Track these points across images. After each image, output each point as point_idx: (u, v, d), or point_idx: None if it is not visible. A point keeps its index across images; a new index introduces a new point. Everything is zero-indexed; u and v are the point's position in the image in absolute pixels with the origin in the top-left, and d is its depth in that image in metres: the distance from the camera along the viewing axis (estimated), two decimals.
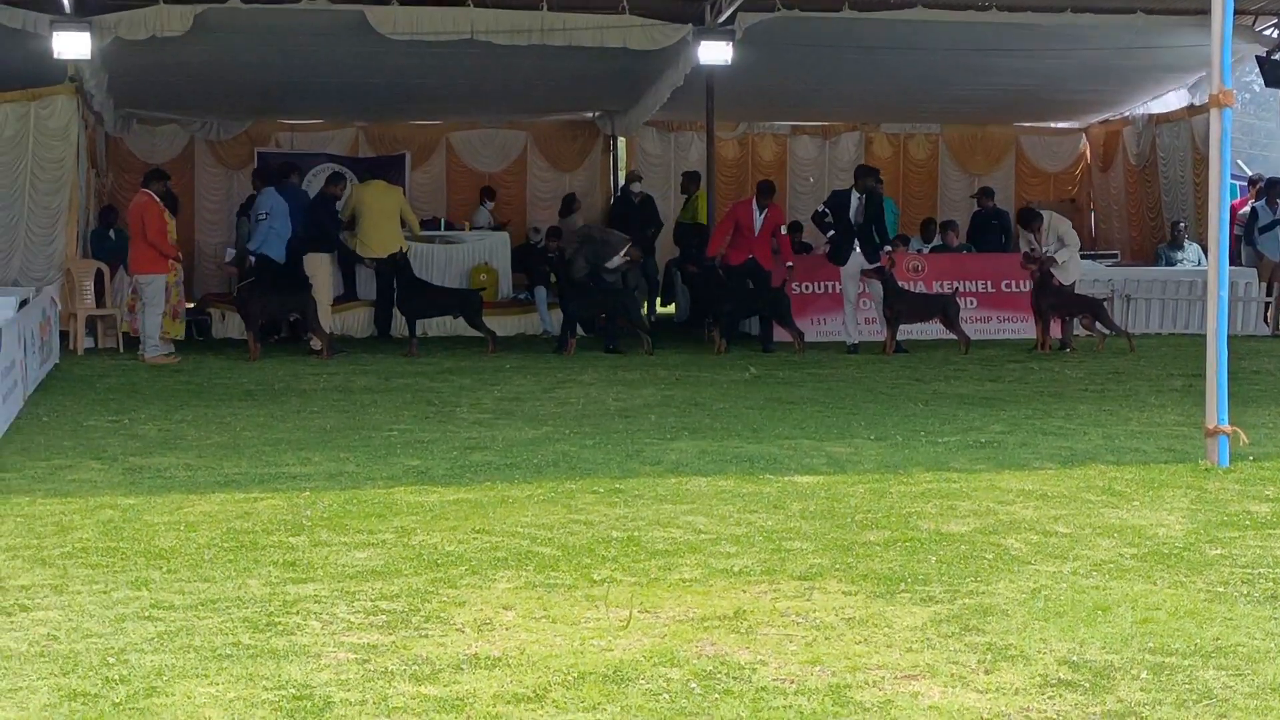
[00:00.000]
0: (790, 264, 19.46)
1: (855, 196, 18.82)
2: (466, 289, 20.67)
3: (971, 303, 20.60)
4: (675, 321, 23.56)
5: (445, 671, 5.55)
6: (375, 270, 20.17)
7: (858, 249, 18.72)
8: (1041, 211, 19.62)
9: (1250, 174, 25.29)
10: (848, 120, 27.17)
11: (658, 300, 23.93)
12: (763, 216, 19.18)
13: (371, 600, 6.57)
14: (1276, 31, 21.87)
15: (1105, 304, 19.13)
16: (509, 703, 5.25)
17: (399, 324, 20.06)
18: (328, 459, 10.42)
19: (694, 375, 15.82)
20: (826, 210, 19.32)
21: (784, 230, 19.66)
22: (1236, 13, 10.73)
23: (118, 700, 5.26)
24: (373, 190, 20.78)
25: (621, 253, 19.58)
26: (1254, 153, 45.51)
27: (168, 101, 23.48)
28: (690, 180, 23.06)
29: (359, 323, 21.22)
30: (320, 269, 19.00)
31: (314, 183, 22.76)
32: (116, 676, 5.48)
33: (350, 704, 5.23)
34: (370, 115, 25.23)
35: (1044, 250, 18.82)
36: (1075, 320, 19.01)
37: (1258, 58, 21.67)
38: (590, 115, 25.93)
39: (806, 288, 20.38)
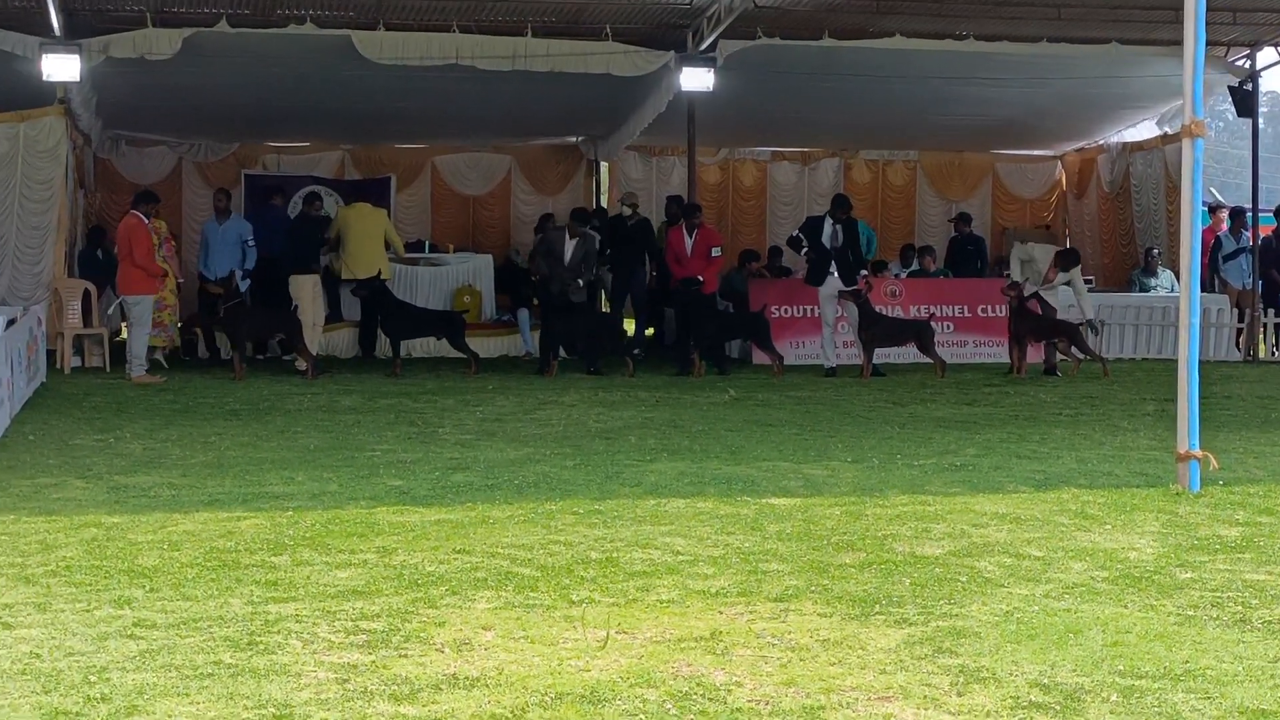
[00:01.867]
0: (700, 277, 19.34)
1: (830, 223, 18.89)
2: (450, 311, 20.70)
3: (948, 327, 20.68)
4: (662, 344, 23.49)
5: (424, 691, 5.56)
6: (356, 295, 20.19)
7: (835, 272, 18.79)
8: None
9: (1209, 202, 25.46)
10: (827, 146, 27.22)
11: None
12: (693, 238, 19.25)
13: (352, 620, 6.57)
14: (1248, 62, 22.03)
15: (1081, 329, 19.23)
16: None
17: (383, 345, 20.07)
18: (311, 479, 10.43)
19: (674, 397, 15.86)
20: (800, 235, 19.39)
21: (717, 252, 19.57)
22: (1209, 44, 10.82)
23: (99, 718, 5.26)
24: (357, 212, 20.81)
25: (570, 243, 19.45)
26: (1227, 180, 45.66)
27: (156, 123, 23.48)
28: (674, 205, 22.93)
29: (343, 343, 21.23)
30: (305, 290, 19.00)
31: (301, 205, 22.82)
32: (98, 695, 5.47)
33: None
34: (356, 138, 25.23)
35: (1052, 285, 18.99)
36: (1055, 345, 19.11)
37: (1230, 87, 21.82)
38: (574, 140, 25.97)
39: (785, 311, 20.44)
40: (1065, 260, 19.33)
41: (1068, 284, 19.24)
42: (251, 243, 19.51)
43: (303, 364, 18.21)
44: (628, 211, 22.34)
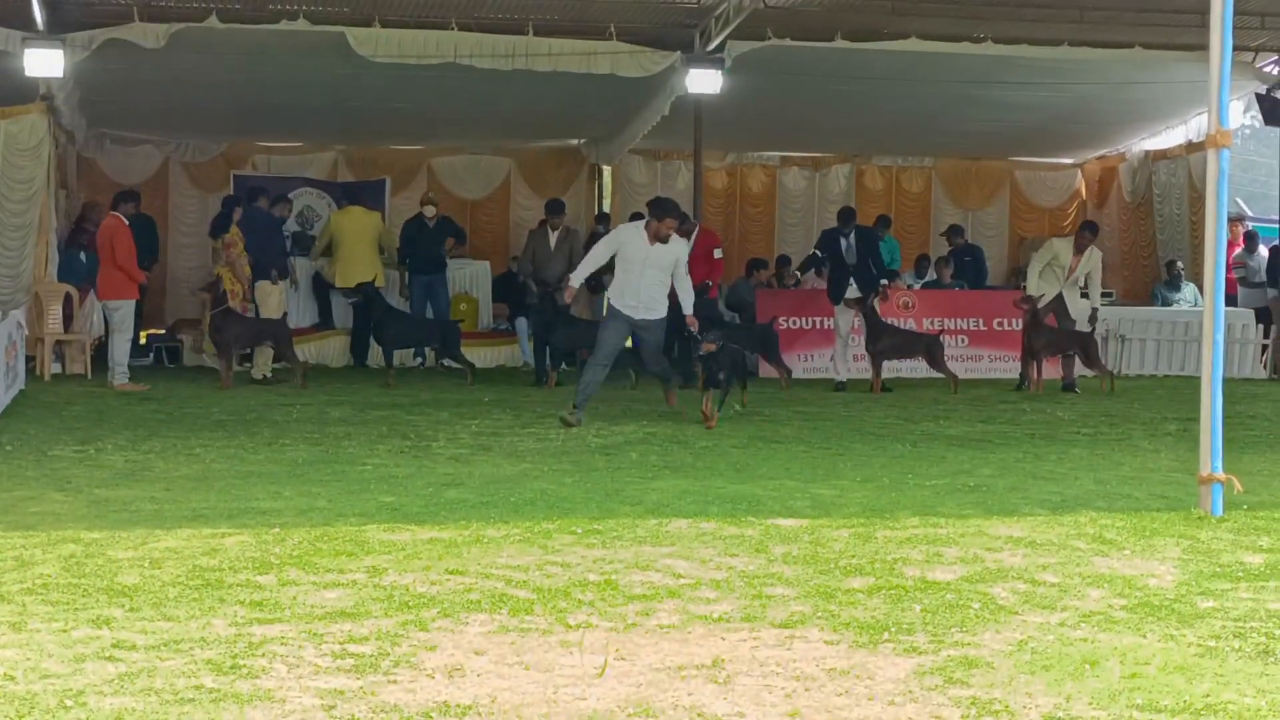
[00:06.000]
0: (710, 282, 19.09)
1: (843, 237, 18.70)
2: (445, 319, 20.47)
3: (963, 340, 20.47)
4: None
5: (414, 719, 5.40)
6: (348, 300, 20.01)
7: (853, 284, 18.59)
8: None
9: (1233, 213, 25.24)
10: (839, 151, 27.13)
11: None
12: (691, 243, 19.00)
13: (340, 643, 6.40)
14: (1277, 68, 21.80)
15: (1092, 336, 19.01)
16: None
17: (376, 354, 19.89)
18: (299, 493, 10.23)
19: (677, 412, 15.62)
20: (821, 254, 19.17)
21: (718, 253, 19.33)
22: (1236, 49, 10.61)
23: None
24: (350, 216, 20.69)
25: (553, 236, 19.34)
26: (1254, 190, 45.37)
27: (142, 121, 23.39)
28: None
29: (335, 352, 21.04)
30: (269, 298, 18.77)
31: (297, 204, 22.70)
32: None
33: None
34: (350, 139, 25.16)
35: (1073, 275, 18.64)
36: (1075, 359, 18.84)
37: (1257, 95, 21.62)
38: (575, 142, 25.83)
39: (794, 323, 20.24)
40: (1086, 234, 18.90)
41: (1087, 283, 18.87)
42: None
43: (258, 373, 18.16)
44: (430, 211, 21.64)
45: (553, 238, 19.54)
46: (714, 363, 14.65)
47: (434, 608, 7.04)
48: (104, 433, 13.29)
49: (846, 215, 19.25)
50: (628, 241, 14.86)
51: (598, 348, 14.82)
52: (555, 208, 20.04)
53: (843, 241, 18.72)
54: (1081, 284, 18.70)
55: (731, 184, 27.20)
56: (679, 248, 14.87)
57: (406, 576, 7.69)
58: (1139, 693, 5.80)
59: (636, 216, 21.55)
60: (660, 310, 14.90)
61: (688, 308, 14.83)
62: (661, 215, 14.74)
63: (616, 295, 14.86)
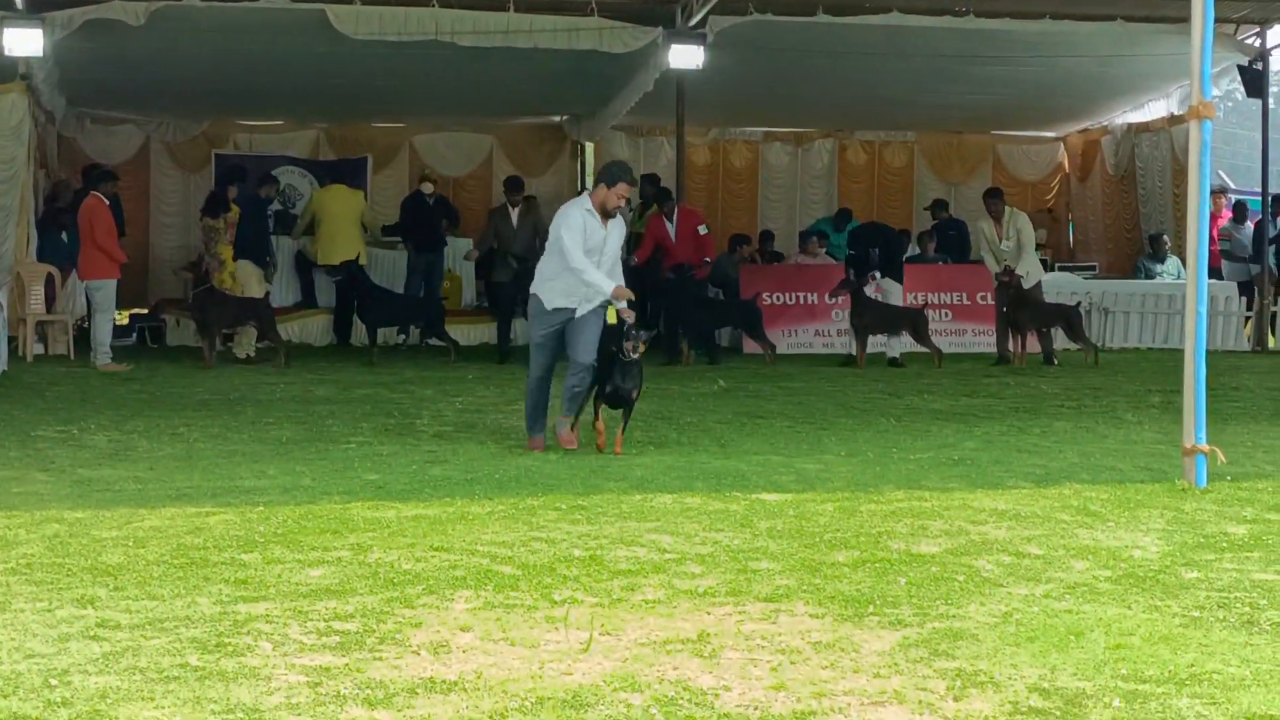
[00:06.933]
0: (706, 260, 19.13)
1: (872, 249, 19.06)
2: (429, 297, 20.46)
3: (946, 315, 20.47)
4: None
5: (399, 696, 5.39)
6: (331, 278, 19.98)
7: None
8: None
9: (1216, 185, 25.24)
10: (821, 127, 27.07)
11: None
12: (674, 223, 19.03)
13: (325, 620, 6.39)
14: (1258, 40, 21.78)
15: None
16: None
17: (359, 332, 19.86)
18: (283, 472, 10.23)
19: (662, 388, 15.58)
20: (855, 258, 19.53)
21: (704, 229, 19.34)
22: (1218, 21, 10.60)
23: None
24: (333, 195, 20.65)
25: (514, 213, 19.43)
26: (1236, 163, 45.36)
27: (123, 100, 23.30)
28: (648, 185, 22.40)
29: (318, 330, 21.01)
30: (249, 277, 18.73)
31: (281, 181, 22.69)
32: (59, 699, 5.30)
33: None
34: (332, 117, 25.10)
35: (1002, 243, 18.74)
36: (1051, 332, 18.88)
37: (1239, 67, 21.59)
38: (557, 119, 25.77)
39: (778, 298, 20.24)
40: (992, 201, 19.13)
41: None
42: None
43: (241, 352, 18.20)
44: (428, 189, 21.69)
45: (514, 214, 19.54)
46: (626, 375, 11.54)
47: (419, 585, 7.03)
48: (87, 413, 13.27)
49: (873, 230, 19.87)
50: (587, 228, 11.48)
51: (535, 359, 11.89)
52: (514, 185, 20.05)
53: (871, 253, 18.97)
54: (1012, 242, 18.86)
55: (714, 160, 27.14)
56: (624, 230, 12.05)
57: (391, 554, 7.68)
58: (1124, 663, 5.82)
59: None
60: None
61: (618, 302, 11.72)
62: (613, 180, 11.50)
63: (560, 290, 11.58)
